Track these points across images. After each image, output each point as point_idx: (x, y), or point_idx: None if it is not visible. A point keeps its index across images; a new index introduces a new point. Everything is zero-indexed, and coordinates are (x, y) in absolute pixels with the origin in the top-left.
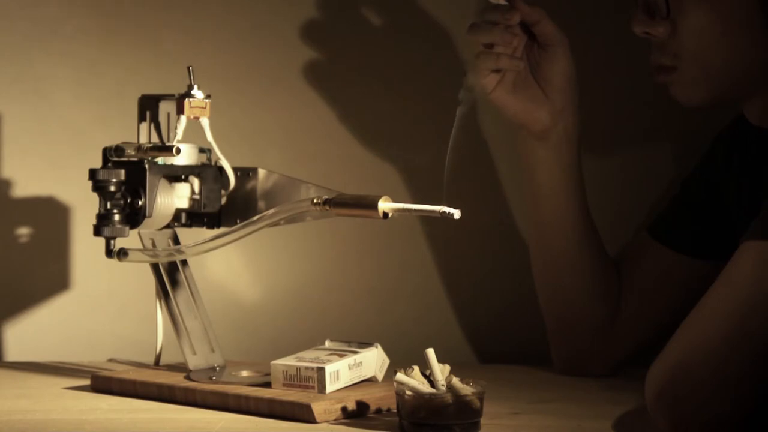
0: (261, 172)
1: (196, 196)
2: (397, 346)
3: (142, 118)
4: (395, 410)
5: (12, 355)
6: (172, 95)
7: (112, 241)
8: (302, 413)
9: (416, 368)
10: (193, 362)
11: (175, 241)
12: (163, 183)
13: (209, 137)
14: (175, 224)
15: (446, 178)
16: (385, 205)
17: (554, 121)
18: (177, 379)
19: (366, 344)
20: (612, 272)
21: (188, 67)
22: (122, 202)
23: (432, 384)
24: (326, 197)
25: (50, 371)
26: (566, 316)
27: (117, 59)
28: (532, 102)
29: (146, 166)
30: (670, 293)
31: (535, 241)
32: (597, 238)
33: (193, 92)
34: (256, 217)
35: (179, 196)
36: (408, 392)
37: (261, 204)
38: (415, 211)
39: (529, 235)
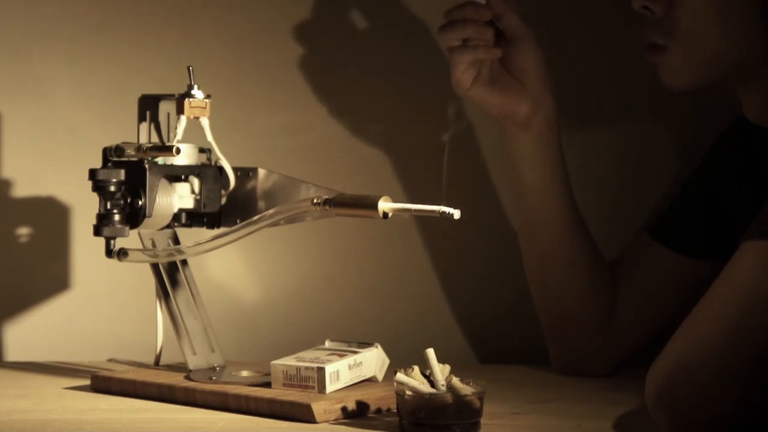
0: (261, 172)
1: (196, 196)
2: (397, 346)
3: (142, 118)
4: (395, 410)
5: (12, 355)
6: (172, 95)
7: (112, 241)
8: (302, 413)
9: (416, 368)
10: (193, 362)
11: (175, 241)
12: (163, 183)
13: (209, 137)
14: (175, 224)
15: (445, 178)
16: (385, 205)
17: (535, 109)
18: (177, 379)
19: (366, 344)
20: (604, 266)
21: (188, 67)
22: (122, 202)
23: (432, 384)
24: (326, 197)
25: (50, 371)
26: (562, 314)
27: (117, 59)
28: (510, 93)
29: (146, 166)
30: (670, 294)
31: (526, 238)
32: (586, 231)
33: (193, 92)
34: (256, 217)
35: (179, 196)
36: (408, 392)
37: (261, 204)
38: (415, 211)
39: (519, 232)
